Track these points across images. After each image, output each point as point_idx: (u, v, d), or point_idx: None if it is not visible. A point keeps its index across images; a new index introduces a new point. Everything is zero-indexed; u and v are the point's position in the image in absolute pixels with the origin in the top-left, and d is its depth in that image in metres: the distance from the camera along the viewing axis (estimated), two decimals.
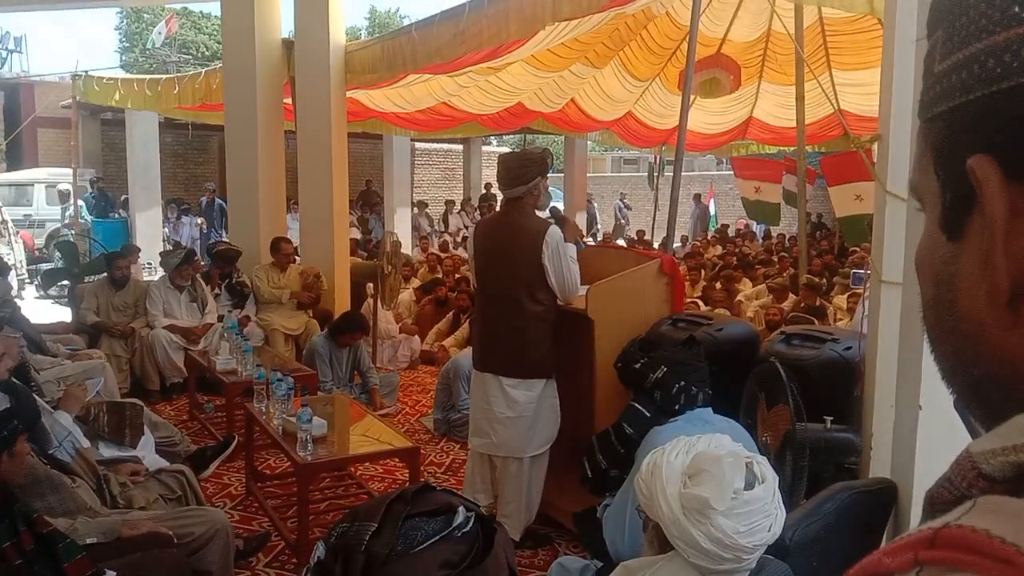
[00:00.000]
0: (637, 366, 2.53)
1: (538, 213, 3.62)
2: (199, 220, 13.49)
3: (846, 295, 7.55)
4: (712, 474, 1.48)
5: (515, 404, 3.53)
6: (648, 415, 2.52)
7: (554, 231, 3.46)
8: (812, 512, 1.88)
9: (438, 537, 1.35)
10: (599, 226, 19.46)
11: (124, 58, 28.36)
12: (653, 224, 17.28)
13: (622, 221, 19.91)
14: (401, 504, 1.40)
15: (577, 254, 3.59)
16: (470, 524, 1.39)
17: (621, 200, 21.00)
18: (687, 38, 9.62)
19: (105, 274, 6.45)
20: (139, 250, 9.62)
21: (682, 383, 2.33)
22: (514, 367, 3.53)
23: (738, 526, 1.46)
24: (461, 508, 1.41)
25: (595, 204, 20.74)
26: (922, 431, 1.88)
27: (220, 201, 12.81)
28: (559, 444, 3.70)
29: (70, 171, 10.52)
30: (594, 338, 3.42)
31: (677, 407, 2.38)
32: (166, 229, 12.68)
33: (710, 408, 2.40)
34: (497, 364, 3.57)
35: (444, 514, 1.38)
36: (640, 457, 2.26)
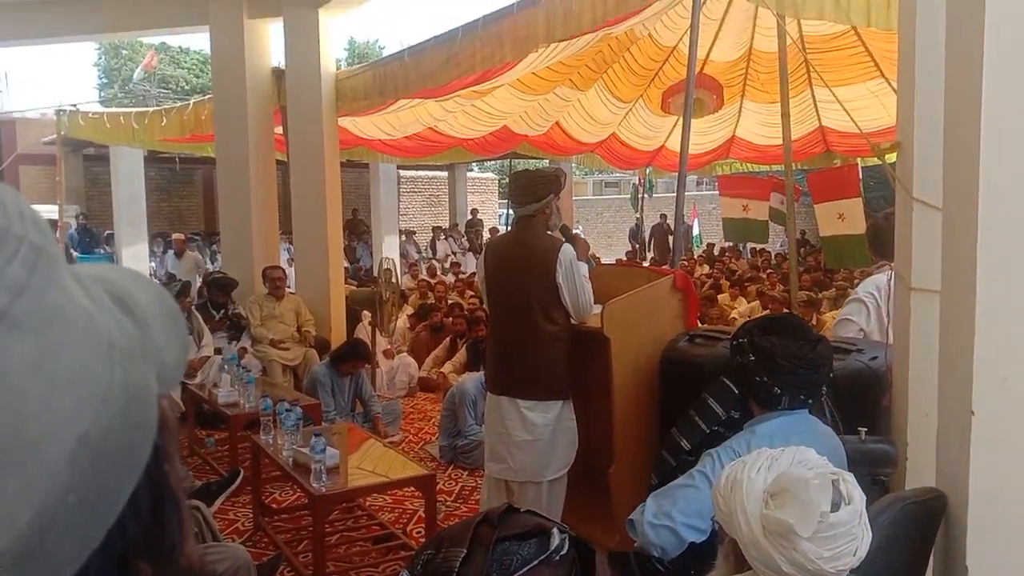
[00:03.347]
0: (735, 342, 2.33)
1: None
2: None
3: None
4: (797, 496, 1.41)
5: (533, 427, 3.45)
6: (737, 392, 2.41)
7: (567, 249, 3.41)
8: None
9: (536, 562, 1.27)
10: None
11: (103, 94, 28.19)
12: (640, 245, 17.39)
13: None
14: (488, 527, 1.32)
15: (589, 272, 3.56)
16: (567, 547, 1.33)
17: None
18: (669, 59, 9.90)
19: None
20: None
21: (765, 379, 2.17)
22: (531, 389, 3.45)
23: (822, 551, 1.40)
24: (555, 530, 1.34)
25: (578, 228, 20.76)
26: (975, 437, 1.86)
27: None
28: (576, 466, 3.64)
29: (55, 207, 10.38)
30: (611, 357, 3.36)
31: (759, 400, 2.24)
32: (153, 264, 12.53)
33: (805, 411, 2.21)
34: (513, 386, 3.50)
35: (537, 536, 1.31)
36: (735, 440, 2.16)
